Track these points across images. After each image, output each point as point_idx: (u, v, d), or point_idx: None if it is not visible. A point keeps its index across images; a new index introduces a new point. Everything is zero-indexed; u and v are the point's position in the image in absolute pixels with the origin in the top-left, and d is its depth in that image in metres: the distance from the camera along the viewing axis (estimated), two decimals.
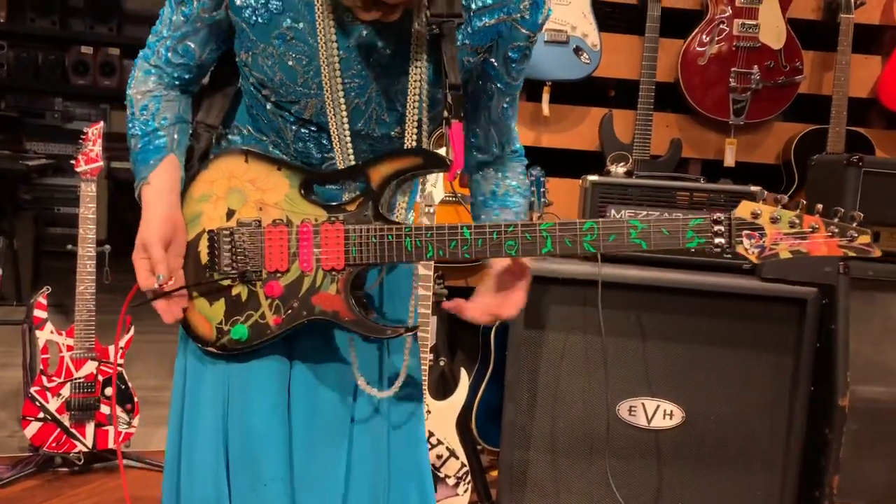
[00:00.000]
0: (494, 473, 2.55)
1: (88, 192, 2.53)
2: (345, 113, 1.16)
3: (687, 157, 2.92)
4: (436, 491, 1.58)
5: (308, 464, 1.22)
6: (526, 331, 2.26)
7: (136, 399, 2.60)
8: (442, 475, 2.35)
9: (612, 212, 2.31)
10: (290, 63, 1.14)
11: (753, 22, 2.78)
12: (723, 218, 1.08)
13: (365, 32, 1.13)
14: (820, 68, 2.95)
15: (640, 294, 2.24)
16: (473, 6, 1.14)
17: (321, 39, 1.11)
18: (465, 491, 2.37)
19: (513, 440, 2.26)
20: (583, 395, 2.28)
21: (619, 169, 2.38)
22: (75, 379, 2.51)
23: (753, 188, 2.32)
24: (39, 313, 2.51)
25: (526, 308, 2.21)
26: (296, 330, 1.18)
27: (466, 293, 3.11)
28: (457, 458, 2.36)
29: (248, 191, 1.17)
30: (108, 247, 2.69)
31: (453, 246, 1.11)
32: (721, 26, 2.80)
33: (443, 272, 2.66)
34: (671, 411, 2.27)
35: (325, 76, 1.13)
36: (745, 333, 2.27)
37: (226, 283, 1.17)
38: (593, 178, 2.31)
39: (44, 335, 2.50)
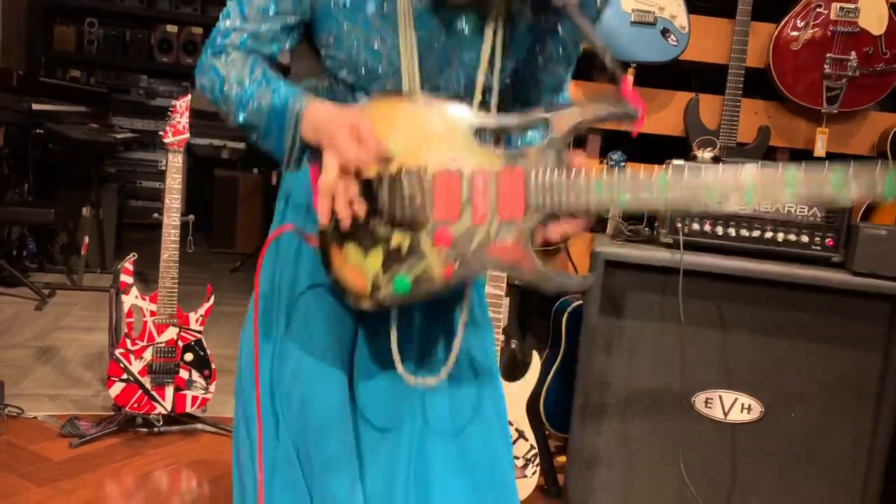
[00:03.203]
0: (562, 459, 2.53)
1: (175, 162, 2.59)
2: (420, 93, 1.15)
3: (775, 145, 2.82)
4: None
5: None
6: (601, 317, 2.22)
7: (213, 366, 2.68)
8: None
9: None
10: (376, 46, 1.14)
11: (853, 6, 2.66)
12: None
13: (445, 14, 1.13)
14: None
15: (721, 283, 2.18)
16: None
17: (402, 22, 1.11)
18: (534, 473, 2.35)
19: (583, 427, 2.23)
20: (657, 385, 2.23)
21: (705, 154, 2.32)
22: (157, 343, 2.59)
23: None
24: (126, 278, 2.59)
25: (602, 293, 2.20)
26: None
27: None
28: (526, 439, 2.35)
29: (409, 135, 1.05)
30: (192, 216, 2.76)
31: (647, 192, 0.98)
32: (818, 10, 2.68)
33: None
34: (749, 405, 2.20)
35: (405, 59, 1.13)
36: (832, 329, 2.18)
37: (385, 231, 1.05)
38: (678, 162, 2.25)
39: (129, 300, 2.59)
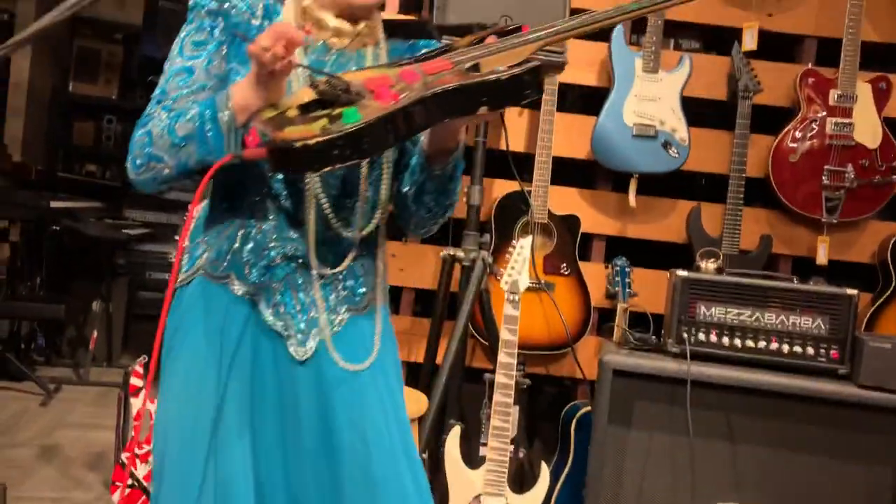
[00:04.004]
0: None
1: None
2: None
3: (777, 252, 2.88)
4: None
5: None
6: (610, 426, 2.22)
7: None
8: None
9: (703, 308, 2.28)
10: None
11: (847, 121, 2.76)
12: None
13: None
14: None
15: (730, 395, 2.19)
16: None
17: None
18: None
19: None
20: (667, 497, 2.21)
21: (709, 265, 2.37)
22: None
23: (850, 291, 2.26)
24: (135, 381, 2.60)
25: (611, 402, 2.21)
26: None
27: (549, 381, 3.08)
28: None
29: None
30: None
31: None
32: (814, 124, 2.79)
33: (524, 359, 2.66)
34: None
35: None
36: (841, 441, 2.18)
37: (321, 102, 1.12)
38: (683, 273, 2.30)
39: (137, 403, 2.59)
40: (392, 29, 1.39)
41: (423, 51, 1.33)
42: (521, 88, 1.13)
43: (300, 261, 1.31)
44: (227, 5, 1.31)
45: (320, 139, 1.05)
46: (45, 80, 5.93)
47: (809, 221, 2.85)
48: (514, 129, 2.88)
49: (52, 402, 4.00)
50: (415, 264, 2.89)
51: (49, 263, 4.64)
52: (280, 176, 1.29)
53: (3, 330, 4.47)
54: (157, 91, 1.30)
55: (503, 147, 2.81)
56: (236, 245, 1.32)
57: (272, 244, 1.31)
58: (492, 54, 1.16)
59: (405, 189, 1.39)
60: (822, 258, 2.83)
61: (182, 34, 1.33)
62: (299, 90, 1.20)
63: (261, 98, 1.17)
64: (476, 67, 1.14)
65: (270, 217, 1.31)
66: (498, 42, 1.18)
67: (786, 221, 2.90)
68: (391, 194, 1.38)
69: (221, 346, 1.30)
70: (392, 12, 2.86)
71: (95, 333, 4.48)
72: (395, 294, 2.95)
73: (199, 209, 1.43)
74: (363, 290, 1.37)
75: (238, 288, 1.31)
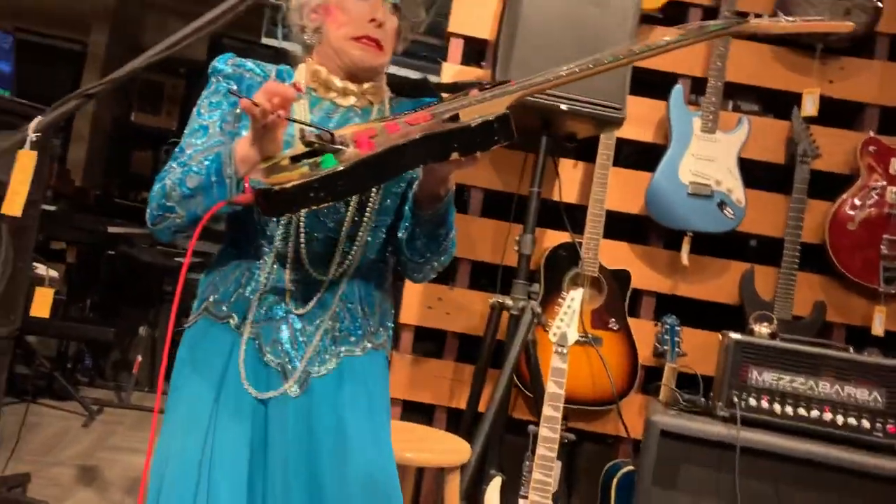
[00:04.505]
0: None
1: None
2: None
3: (831, 320, 2.82)
4: None
5: None
6: (654, 488, 2.18)
7: None
8: None
9: (755, 373, 2.24)
10: None
11: None
12: None
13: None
14: None
15: (780, 464, 2.14)
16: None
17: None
18: None
19: None
20: None
21: (762, 329, 2.33)
22: None
23: None
24: None
25: (656, 464, 2.16)
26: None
27: (591, 437, 3.03)
28: None
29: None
30: None
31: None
32: (874, 192, 2.75)
33: (567, 413, 2.63)
34: None
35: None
36: None
37: (311, 152, 1.20)
38: (736, 335, 2.26)
39: None
40: (398, 87, 1.53)
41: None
42: (491, 135, 1.18)
43: (290, 301, 1.41)
44: (241, 70, 1.44)
45: (297, 183, 1.14)
46: (109, 109, 6.15)
47: (865, 290, 2.80)
48: (569, 180, 2.89)
49: (94, 424, 4.06)
50: (461, 309, 2.90)
51: (101, 287, 4.75)
52: (275, 220, 1.40)
53: (51, 349, 4.58)
54: (176, 149, 1.42)
55: (556, 197, 2.83)
56: (240, 288, 1.42)
57: (268, 285, 1.41)
58: (470, 106, 1.22)
59: (400, 234, 1.47)
60: (877, 329, 2.76)
61: (202, 96, 1.46)
62: (296, 143, 1.29)
63: (259, 151, 1.25)
64: (456, 118, 1.21)
65: (267, 260, 1.41)
66: (477, 95, 1.26)
67: (841, 289, 2.85)
68: (376, 241, 1.47)
69: (222, 383, 1.39)
70: (454, 64, 2.92)
71: (140, 358, 4.55)
72: (440, 338, 2.96)
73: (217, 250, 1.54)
74: (360, 331, 1.45)
75: (239, 326, 1.41)
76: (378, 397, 1.46)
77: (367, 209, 1.42)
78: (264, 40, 6.11)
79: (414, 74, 6.22)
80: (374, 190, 1.42)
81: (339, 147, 1.19)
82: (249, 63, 1.47)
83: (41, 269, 2.70)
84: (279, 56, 1.59)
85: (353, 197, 1.40)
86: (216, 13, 1.29)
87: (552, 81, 1.27)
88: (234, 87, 1.42)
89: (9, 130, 2.33)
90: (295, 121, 1.23)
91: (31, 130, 1.17)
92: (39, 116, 1.19)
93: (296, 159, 1.22)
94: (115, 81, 1.23)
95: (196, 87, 6.54)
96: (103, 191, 5.87)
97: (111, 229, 4.43)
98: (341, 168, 1.14)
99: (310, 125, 1.23)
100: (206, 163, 1.30)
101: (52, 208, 4.22)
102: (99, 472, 3.40)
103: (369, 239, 1.45)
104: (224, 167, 1.27)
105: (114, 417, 4.24)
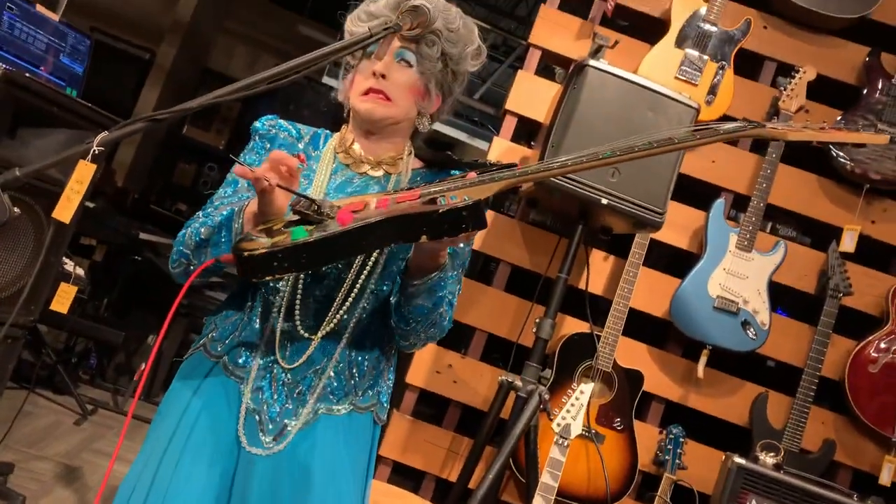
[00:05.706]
0: None
1: None
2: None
3: (839, 461, 2.76)
4: None
5: None
6: None
7: None
8: None
9: (753, 501, 2.20)
10: None
11: None
12: None
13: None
14: None
15: None
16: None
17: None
18: None
19: None
20: None
21: (768, 458, 2.29)
22: None
23: None
24: None
25: None
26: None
27: None
28: None
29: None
30: None
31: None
32: None
33: None
34: None
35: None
36: None
37: (296, 220, 1.25)
38: (740, 460, 2.23)
39: None
40: (426, 160, 1.57)
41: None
42: (459, 222, 1.19)
43: (279, 353, 1.44)
44: (275, 130, 1.52)
45: (262, 252, 1.18)
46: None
47: (878, 437, 2.74)
48: (598, 271, 2.90)
49: (85, 424, 4.05)
50: (468, 380, 2.89)
51: (121, 289, 4.80)
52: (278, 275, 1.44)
53: (59, 341, 4.61)
54: (210, 198, 1.49)
55: (582, 286, 2.84)
56: (235, 331, 1.46)
57: (263, 335, 1.45)
58: (457, 189, 1.24)
59: (393, 299, 1.48)
60: (885, 479, 2.70)
61: (243, 151, 1.54)
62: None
63: (261, 213, 1.30)
64: (434, 201, 1.23)
65: (262, 310, 1.46)
66: (474, 177, 1.27)
67: (853, 431, 2.80)
68: (374, 305, 1.48)
69: (196, 420, 1.43)
70: (505, 139, 2.97)
71: (143, 366, 4.56)
72: (443, 405, 2.94)
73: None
74: (342, 392, 1.46)
75: (228, 368, 1.44)
76: (350, 460, 1.45)
77: (364, 273, 1.44)
78: (325, 80, 6.28)
79: (464, 137, 6.32)
80: (375, 254, 1.43)
81: (322, 219, 1.23)
82: (285, 124, 1.54)
83: (69, 265, 2.74)
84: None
85: (357, 259, 1.43)
86: (295, 63, 1.34)
87: (543, 173, 1.27)
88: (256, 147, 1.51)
89: (70, 129, 2.40)
90: (288, 189, 1.27)
91: (96, 143, 1.21)
92: (105, 132, 1.22)
93: (288, 225, 1.26)
94: (185, 111, 1.27)
95: (250, 113, 6.71)
96: (141, 195, 5.97)
97: (142, 235, 4.50)
98: (302, 241, 1.18)
99: (302, 195, 1.27)
100: (221, 216, 1.36)
101: (91, 205, 4.30)
102: (81, 474, 3.38)
103: (366, 304, 1.45)
104: (233, 223, 1.34)
105: (107, 420, 4.23)
